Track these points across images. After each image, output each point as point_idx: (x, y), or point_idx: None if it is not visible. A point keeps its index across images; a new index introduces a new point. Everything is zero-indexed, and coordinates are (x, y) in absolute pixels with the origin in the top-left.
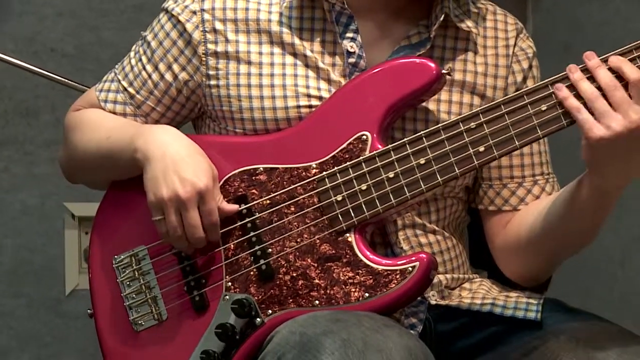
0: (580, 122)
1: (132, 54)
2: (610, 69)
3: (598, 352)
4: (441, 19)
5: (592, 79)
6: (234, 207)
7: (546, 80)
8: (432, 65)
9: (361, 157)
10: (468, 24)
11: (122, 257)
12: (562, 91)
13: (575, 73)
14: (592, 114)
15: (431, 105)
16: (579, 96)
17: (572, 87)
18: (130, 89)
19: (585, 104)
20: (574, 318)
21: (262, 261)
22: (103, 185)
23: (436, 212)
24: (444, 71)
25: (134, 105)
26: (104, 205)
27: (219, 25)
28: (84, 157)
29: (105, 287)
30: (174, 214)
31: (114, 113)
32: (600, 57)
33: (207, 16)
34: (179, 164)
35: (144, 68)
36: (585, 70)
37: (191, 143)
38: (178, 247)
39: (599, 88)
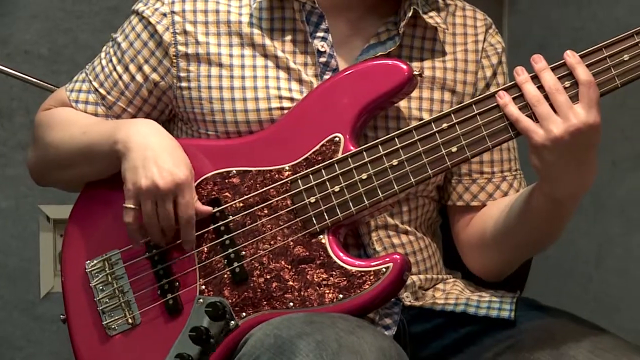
0: (522, 129)
1: (102, 54)
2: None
3: (571, 348)
4: (409, 14)
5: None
6: (207, 208)
7: (515, 81)
8: (404, 66)
9: (334, 159)
10: (437, 19)
11: (95, 261)
12: (503, 98)
13: (520, 75)
14: (535, 117)
15: (403, 102)
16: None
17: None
18: (102, 90)
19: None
20: (547, 316)
21: (235, 264)
22: (75, 185)
23: (408, 212)
24: (415, 72)
25: (105, 106)
26: (76, 209)
27: (189, 27)
28: (58, 154)
29: (78, 292)
30: (150, 203)
31: (85, 112)
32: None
33: (177, 18)
34: (159, 155)
35: (115, 69)
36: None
37: (171, 137)
38: (152, 237)
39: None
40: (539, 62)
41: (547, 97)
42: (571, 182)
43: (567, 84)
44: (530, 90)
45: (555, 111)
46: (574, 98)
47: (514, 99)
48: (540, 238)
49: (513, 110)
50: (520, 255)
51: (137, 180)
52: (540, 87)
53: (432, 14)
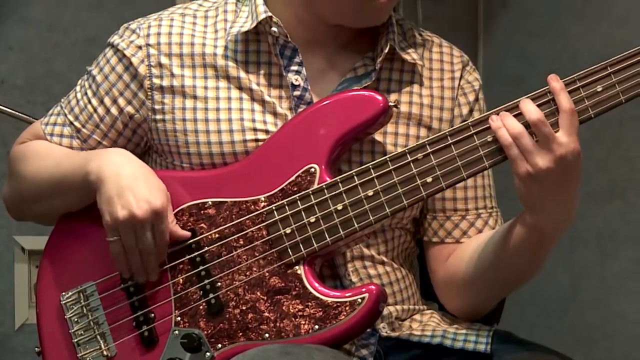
0: (510, 157)
1: (77, 88)
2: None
3: None
4: (386, 50)
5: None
6: (186, 233)
7: (492, 111)
8: (380, 97)
9: (309, 190)
10: (413, 56)
11: (70, 293)
12: (495, 121)
13: (496, 121)
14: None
15: (377, 137)
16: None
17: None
18: (76, 123)
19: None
20: (523, 349)
21: (211, 295)
22: (51, 218)
23: (384, 243)
24: (391, 103)
25: (80, 139)
26: (52, 240)
27: (164, 60)
28: (32, 187)
29: (53, 324)
30: (130, 233)
31: (60, 145)
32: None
33: (152, 51)
34: (133, 184)
35: (90, 102)
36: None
37: (144, 165)
38: (132, 269)
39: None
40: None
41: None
42: (556, 212)
43: (546, 112)
44: (510, 123)
45: (538, 143)
46: (554, 125)
47: (488, 128)
48: (523, 272)
49: (505, 134)
50: (502, 291)
51: (114, 212)
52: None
53: (410, 50)
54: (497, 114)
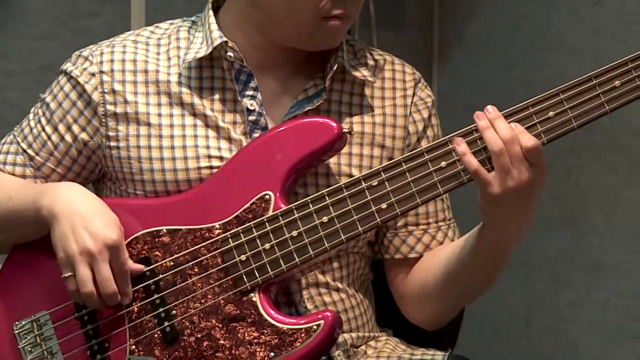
0: (479, 179)
1: (31, 116)
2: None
3: None
4: (335, 68)
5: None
6: (139, 266)
7: (445, 138)
8: (334, 124)
9: (264, 217)
10: (364, 72)
11: (23, 322)
12: (461, 146)
13: (481, 120)
14: (492, 165)
15: (332, 158)
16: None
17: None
18: (30, 151)
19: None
20: None
21: (166, 323)
22: (4, 247)
23: (340, 269)
24: (345, 130)
25: (34, 167)
26: (4, 270)
27: (117, 87)
28: None
29: (6, 354)
30: (86, 269)
31: (14, 175)
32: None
33: (106, 78)
34: (87, 219)
35: (44, 129)
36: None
37: (97, 199)
38: (89, 304)
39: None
40: (493, 112)
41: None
42: (515, 227)
43: None
44: (492, 138)
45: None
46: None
47: (442, 155)
48: (484, 280)
49: (472, 160)
50: (465, 299)
51: (67, 247)
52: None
53: (361, 68)
54: (451, 140)
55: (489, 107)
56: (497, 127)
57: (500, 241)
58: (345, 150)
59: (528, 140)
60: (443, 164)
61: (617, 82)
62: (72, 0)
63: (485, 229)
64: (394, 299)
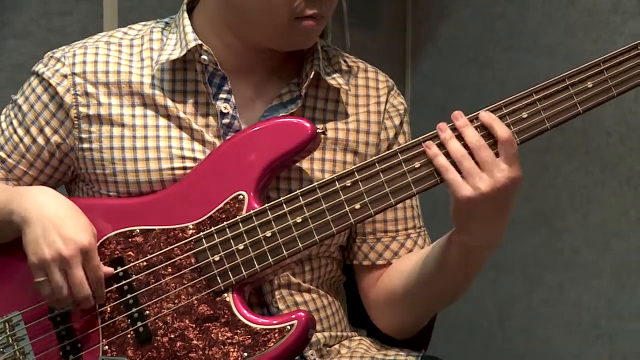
0: (448, 181)
1: (2, 117)
2: (482, 126)
3: None
4: (311, 76)
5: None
6: (109, 269)
7: (419, 138)
8: (308, 125)
9: (238, 217)
10: (339, 80)
11: None
12: (432, 149)
13: (445, 132)
14: (460, 173)
15: (305, 164)
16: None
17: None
18: (1, 153)
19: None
20: None
21: (139, 323)
22: None
23: (311, 272)
24: (319, 130)
25: (5, 170)
26: None
27: (90, 89)
28: None
29: None
30: (58, 273)
31: None
32: (471, 115)
33: (78, 80)
34: (59, 223)
35: (15, 132)
36: (455, 129)
37: (69, 202)
38: (64, 307)
39: (467, 147)
40: (460, 119)
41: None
42: (488, 233)
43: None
44: (455, 146)
45: (479, 166)
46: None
47: (415, 155)
48: (454, 288)
49: (443, 161)
50: (433, 308)
51: (40, 252)
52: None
53: (335, 75)
54: (424, 141)
55: (457, 114)
56: (465, 134)
57: (472, 247)
58: (318, 155)
59: (502, 130)
60: (417, 164)
61: (589, 83)
62: None
63: (456, 233)
64: (364, 305)
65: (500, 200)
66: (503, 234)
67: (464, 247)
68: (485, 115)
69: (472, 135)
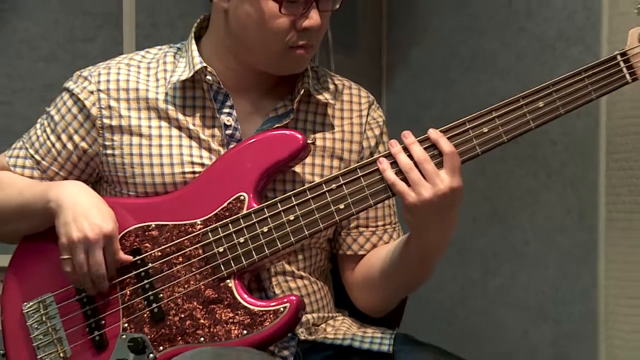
0: (397, 191)
1: (37, 126)
2: (433, 145)
3: None
4: (302, 92)
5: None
6: (128, 257)
7: (382, 154)
8: (300, 136)
9: (239, 214)
10: (326, 96)
11: (31, 303)
12: (382, 164)
13: (394, 147)
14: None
15: (297, 168)
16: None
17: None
18: (37, 156)
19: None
20: (422, 350)
21: (154, 305)
22: (14, 238)
23: (303, 261)
24: (309, 141)
25: (40, 170)
26: (15, 258)
27: (113, 103)
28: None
29: (16, 330)
30: (82, 253)
31: (23, 175)
32: (421, 137)
33: (102, 95)
34: (88, 211)
35: (49, 138)
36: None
37: (97, 195)
38: (81, 284)
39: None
40: (409, 137)
41: (417, 165)
42: (436, 235)
43: (434, 152)
44: (403, 159)
45: (424, 177)
46: (439, 165)
47: (391, 164)
48: (414, 279)
49: (390, 175)
50: (400, 292)
51: (69, 234)
52: (411, 157)
53: (323, 92)
54: (386, 157)
55: (405, 133)
56: (412, 150)
57: (424, 249)
58: (309, 161)
59: (446, 145)
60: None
61: (540, 103)
62: (70, 26)
63: (410, 236)
64: (345, 287)
65: (442, 206)
66: (450, 237)
67: (417, 246)
68: (433, 133)
69: (418, 151)
